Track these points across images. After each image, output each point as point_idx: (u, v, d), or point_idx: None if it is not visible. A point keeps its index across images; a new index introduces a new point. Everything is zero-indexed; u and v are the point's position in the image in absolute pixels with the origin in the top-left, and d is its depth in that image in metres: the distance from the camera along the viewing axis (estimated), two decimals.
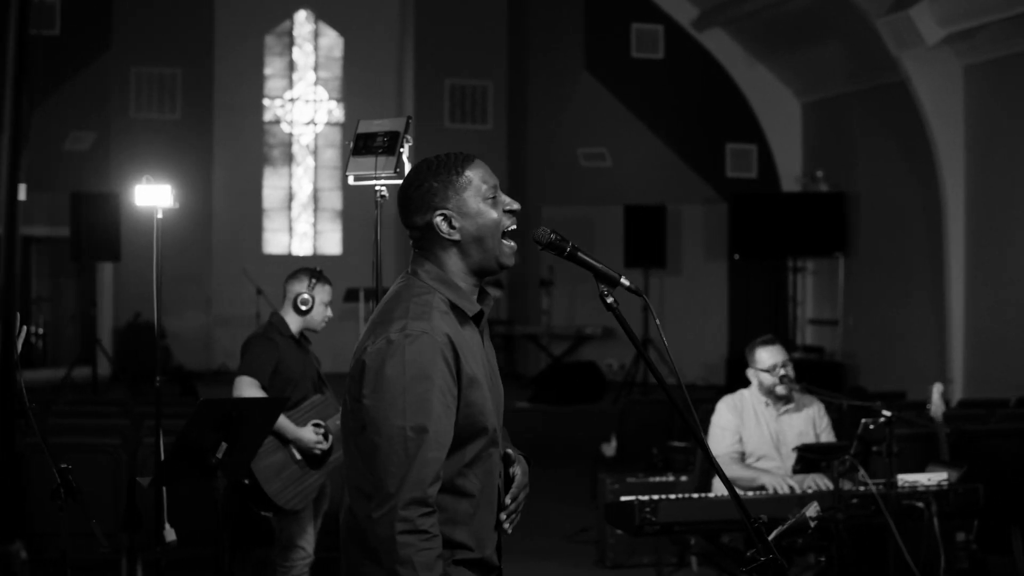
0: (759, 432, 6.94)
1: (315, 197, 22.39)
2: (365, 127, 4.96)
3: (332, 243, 22.22)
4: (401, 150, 4.81)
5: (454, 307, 3.36)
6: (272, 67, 22.22)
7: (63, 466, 4.60)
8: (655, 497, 6.24)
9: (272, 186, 22.16)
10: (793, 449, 6.79)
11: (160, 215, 6.46)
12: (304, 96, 22.36)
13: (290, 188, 22.34)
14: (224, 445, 5.14)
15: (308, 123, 22.42)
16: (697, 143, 18.51)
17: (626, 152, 18.79)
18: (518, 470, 3.56)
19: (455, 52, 21.04)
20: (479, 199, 3.39)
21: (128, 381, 16.38)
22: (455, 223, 3.37)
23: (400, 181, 3.90)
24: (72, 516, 7.68)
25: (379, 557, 3.18)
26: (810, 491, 6.39)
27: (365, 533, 3.25)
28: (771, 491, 6.51)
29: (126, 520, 6.47)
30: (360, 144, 4.87)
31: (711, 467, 7.02)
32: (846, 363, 16.34)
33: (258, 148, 21.98)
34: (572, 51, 18.90)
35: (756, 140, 18.25)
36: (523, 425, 13.92)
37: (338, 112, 22.37)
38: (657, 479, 8.64)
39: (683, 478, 8.42)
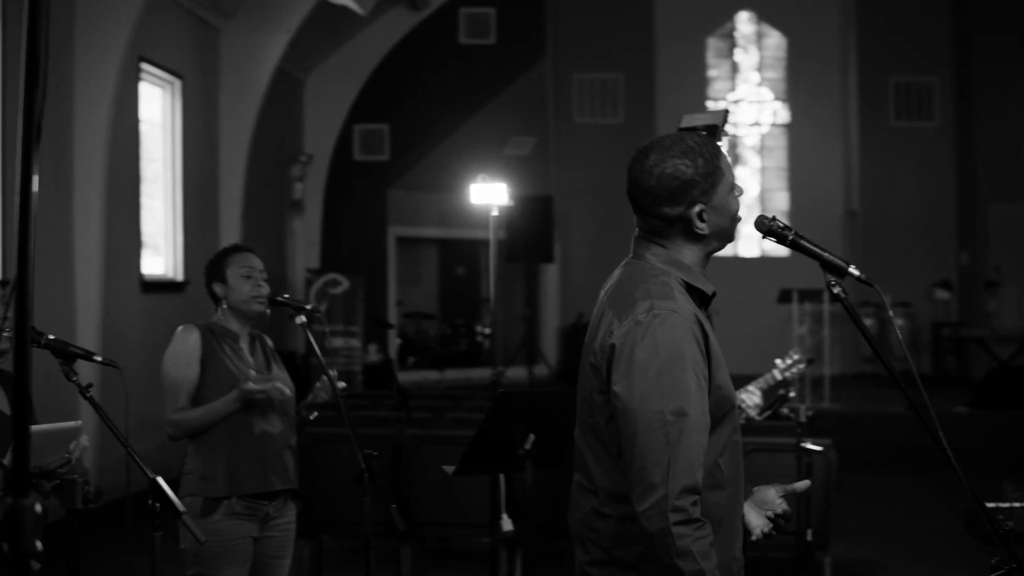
0: None
1: (761, 198, 22.41)
2: (688, 121, 5.01)
3: (770, 246, 22.09)
4: (719, 143, 4.90)
5: (689, 288, 3.23)
6: (717, 69, 22.41)
7: (367, 452, 4.72)
8: (1015, 504, 6.03)
9: None
10: None
11: (496, 212, 6.76)
12: (748, 97, 22.44)
13: None
14: (532, 436, 5.23)
15: (753, 124, 22.49)
16: None
17: None
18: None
19: (899, 49, 20.63)
20: (727, 191, 3.28)
21: (568, 380, 16.90)
22: (706, 217, 3.22)
23: None
24: (450, 507, 8.16)
25: (655, 553, 2.99)
26: None
27: (623, 533, 3.16)
28: None
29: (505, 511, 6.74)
30: None
31: None
32: None
33: None
34: (1014, 43, 18.19)
35: None
36: (959, 431, 13.59)
37: (783, 113, 22.33)
38: None
39: None
